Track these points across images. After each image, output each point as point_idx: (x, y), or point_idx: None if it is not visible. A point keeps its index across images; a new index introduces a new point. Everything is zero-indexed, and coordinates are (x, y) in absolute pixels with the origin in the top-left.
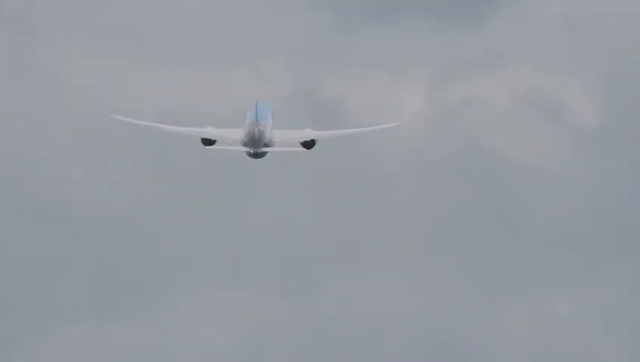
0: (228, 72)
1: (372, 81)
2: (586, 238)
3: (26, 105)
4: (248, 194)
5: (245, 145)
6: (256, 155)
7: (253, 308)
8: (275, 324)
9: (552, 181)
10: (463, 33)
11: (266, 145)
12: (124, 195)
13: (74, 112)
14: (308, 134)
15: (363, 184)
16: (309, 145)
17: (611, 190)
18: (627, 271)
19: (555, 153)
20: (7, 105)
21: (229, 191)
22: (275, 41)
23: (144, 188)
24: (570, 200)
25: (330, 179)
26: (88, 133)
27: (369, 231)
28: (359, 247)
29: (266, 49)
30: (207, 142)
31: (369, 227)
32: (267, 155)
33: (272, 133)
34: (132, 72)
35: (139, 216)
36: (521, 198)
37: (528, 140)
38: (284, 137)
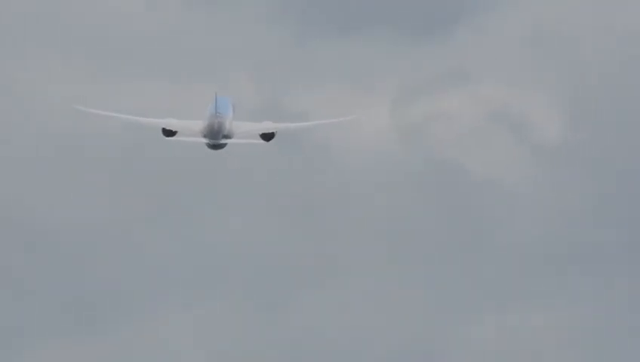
0: (191, 85)
1: (335, 96)
2: (550, 254)
3: None
4: (207, 198)
5: (205, 136)
6: (216, 146)
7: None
8: (240, 338)
9: (517, 197)
10: (426, 48)
11: (226, 137)
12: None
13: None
14: (267, 126)
15: (326, 199)
16: (268, 137)
17: (576, 205)
18: (591, 284)
19: (519, 169)
20: None
21: (189, 196)
22: (239, 55)
23: (102, 192)
24: (534, 215)
25: (291, 192)
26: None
27: (329, 245)
28: (320, 260)
29: (229, 62)
30: (168, 133)
31: (330, 241)
32: (227, 147)
33: (231, 124)
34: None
35: (91, 226)
36: (484, 214)
37: (492, 156)
38: (243, 129)
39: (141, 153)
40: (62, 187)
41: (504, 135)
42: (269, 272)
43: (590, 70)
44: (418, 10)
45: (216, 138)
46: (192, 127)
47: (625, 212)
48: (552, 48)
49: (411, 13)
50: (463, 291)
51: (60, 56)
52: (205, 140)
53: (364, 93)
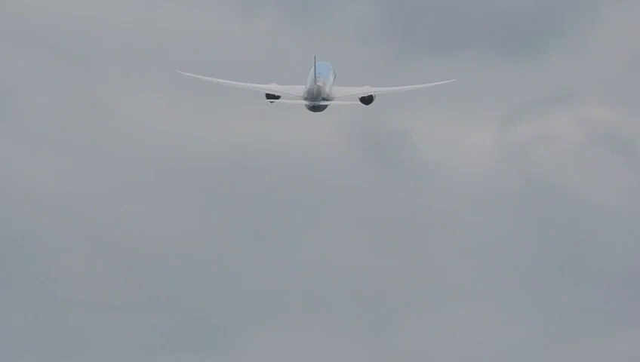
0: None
1: (437, 117)
2: None
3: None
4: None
5: (305, 98)
6: (315, 108)
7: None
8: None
9: (622, 219)
10: (527, 68)
11: (325, 99)
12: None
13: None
14: (366, 90)
15: (431, 224)
16: (367, 101)
17: None
18: None
19: (625, 190)
20: (66, 139)
21: (290, 217)
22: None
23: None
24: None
25: (389, 218)
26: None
27: (434, 268)
28: (422, 286)
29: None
30: (271, 97)
31: (434, 265)
32: (326, 110)
33: (331, 89)
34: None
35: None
36: (589, 236)
37: (598, 178)
38: (343, 93)
39: (240, 173)
40: (158, 208)
41: (609, 157)
42: (370, 295)
43: None
44: (521, 29)
45: (315, 99)
46: (293, 92)
47: None
48: None
49: (515, 32)
50: (568, 315)
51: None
52: (305, 102)
53: (467, 114)
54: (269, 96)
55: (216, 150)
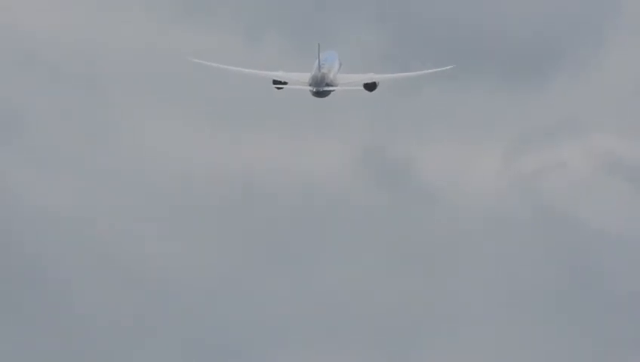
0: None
1: (445, 144)
2: None
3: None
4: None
5: (310, 85)
6: (319, 94)
7: None
8: None
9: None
10: (534, 96)
11: (329, 85)
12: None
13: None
14: (370, 77)
15: (441, 251)
16: (370, 87)
17: None
18: None
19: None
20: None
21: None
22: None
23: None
24: None
25: (404, 241)
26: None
27: (443, 292)
28: (434, 306)
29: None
30: (278, 83)
31: (443, 289)
32: (331, 96)
33: (335, 76)
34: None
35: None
36: (600, 264)
37: (608, 206)
38: (347, 80)
39: (249, 198)
40: (168, 233)
41: (617, 185)
42: (381, 322)
43: None
44: (527, 57)
45: (319, 85)
46: (299, 79)
47: None
48: None
49: (521, 60)
50: (581, 343)
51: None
52: (310, 88)
53: (475, 142)
54: (275, 83)
55: (225, 175)
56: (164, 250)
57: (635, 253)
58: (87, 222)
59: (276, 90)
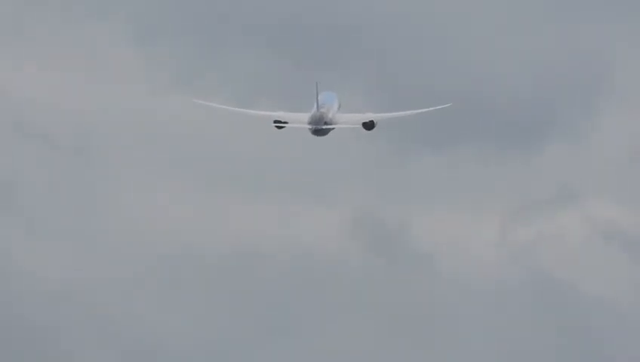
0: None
1: (439, 215)
2: None
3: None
4: None
5: (309, 123)
6: (318, 132)
7: None
8: None
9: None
10: (526, 164)
11: (327, 124)
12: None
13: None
14: (368, 116)
15: (433, 320)
16: (369, 126)
17: None
18: None
19: (632, 287)
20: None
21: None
22: (339, 168)
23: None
24: None
25: (398, 309)
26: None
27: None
28: None
29: (330, 177)
30: (279, 123)
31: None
32: (330, 135)
33: (334, 115)
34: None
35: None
36: (598, 333)
37: (604, 275)
38: (346, 119)
39: (244, 266)
40: (164, 301)
41: (612, 253)
42: None
43: None
44: (521, 125)
45: (318, 124)
46: (300, 118)
47: None
48: None
49: (515, 128)
50: None
51: None
52: (309, 126)
53: (470, 212)
54: (276, 123)
55: (220, 244)
56: (155, 319)
57: (633, 320)
58: (78, 292)
59: (277, 128)
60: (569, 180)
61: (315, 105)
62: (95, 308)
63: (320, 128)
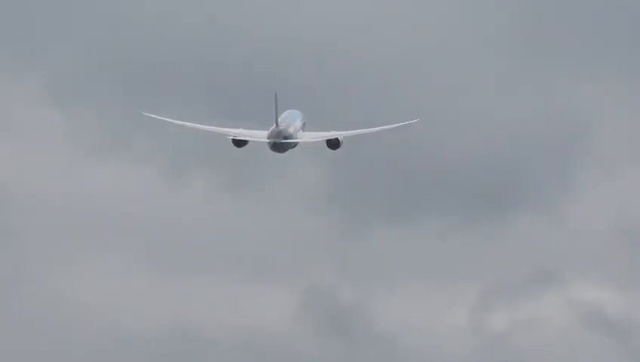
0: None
1: (410, 292)
2: None
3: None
4: None
5: (268, 137)
6: (276, 147)
7: None
8: None
9: None
10: (504, 242)
11: (287, 138)
12: None
13: None
14: (332, 134)
15: None
16: (334, 145)
17: None
18: None
19: None
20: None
21: None
22: (300, 247)
23: None
24: None
25: None
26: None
27: None
28: None
29: (290, 256)
30: (238, 143)
31: None
32: (290, 152)
33: (296, 131)
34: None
35: None
36: None
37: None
38: (309, 137)
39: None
40: None
41: (596, 338)
42: None
43: None
44: (499, 202)
45: (276, 138)
46: (259, 135)
47: None
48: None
49: (490, 203)
50: None
51: None
52: (267, 140)
53: (439, 292)
54: (235, 141)
55: (155, 327)
56: None
57: None
58: None
59: (236, 147)
60: (542, 257)
61: (275, 121)
62: None
63: (279, 142)
